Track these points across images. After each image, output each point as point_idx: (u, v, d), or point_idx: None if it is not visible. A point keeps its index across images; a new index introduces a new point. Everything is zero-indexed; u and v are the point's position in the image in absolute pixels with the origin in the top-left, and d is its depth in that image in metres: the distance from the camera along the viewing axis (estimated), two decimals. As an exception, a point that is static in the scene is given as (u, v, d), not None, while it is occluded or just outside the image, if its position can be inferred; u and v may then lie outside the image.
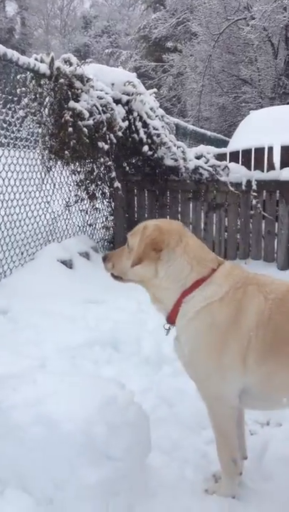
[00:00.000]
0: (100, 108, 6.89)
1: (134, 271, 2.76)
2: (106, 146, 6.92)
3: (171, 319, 2.73)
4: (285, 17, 19.56)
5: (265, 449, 3.19)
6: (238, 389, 2.61)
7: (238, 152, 8.00)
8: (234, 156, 8.00)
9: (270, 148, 7.68)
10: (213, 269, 2.69)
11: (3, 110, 6.30)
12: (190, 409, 3.57)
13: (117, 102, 7.37)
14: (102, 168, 7.47)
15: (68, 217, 7.58)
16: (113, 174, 7.23)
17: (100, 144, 6.87)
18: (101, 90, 7.08)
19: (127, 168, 7.86)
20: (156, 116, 7.83)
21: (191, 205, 8.08)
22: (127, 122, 7.45)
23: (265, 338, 2.52)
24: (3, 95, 6.22)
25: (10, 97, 6.38)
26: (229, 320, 2.56)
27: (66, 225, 7.54)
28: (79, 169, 7.43)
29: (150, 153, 7.64)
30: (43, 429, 2.53)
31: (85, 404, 2.60)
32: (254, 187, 7.57)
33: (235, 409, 2.69)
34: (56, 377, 2.97)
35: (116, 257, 2.94)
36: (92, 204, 7.82)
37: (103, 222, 8.45)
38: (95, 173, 7.46)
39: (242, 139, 10.00)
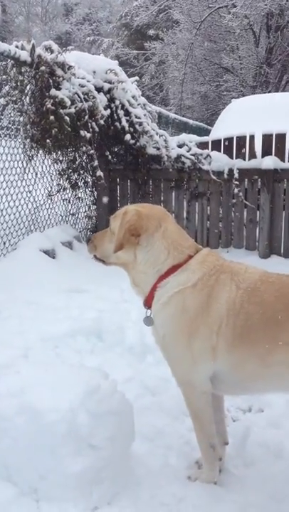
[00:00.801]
0: (82, 96, 6.84)
1: (115, 255, 2.80)
2: (88, 135, 6.88)
3: (147, 303, 2.77)
4: (266, 5, 19.47)
5: (247, 435, 3.22)
6: (209, 374, 2.64)
7: (220, 140, 8.01)
8: (216, 145, 8.02)
9: (252, 137, 7.70)
10: (190, 256, 2.72)
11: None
12: (173, 398, 3.59)
13: (99, 90, 7.33)
14: (84, 157, 7.45)
15: (51, 206, 7.54)
16: (95, 163, 7.20)
17: (82, 133, 6.83)
18: (83, 78, 7.03)
19: (110, 157, 7.84)
20: (139, 104, 7.80)
21: (173, 193, 8.09)
22: (109, 110, 7.41)
23: (235, 327, 2.54)
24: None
25: (-10, 85, 6.33)
26: (200, 306, 2.59)
27: (48, 215, 7.50)
28: (61, 158, 7.40)
29: (132, 141, 7.62)
30: (26, 419, 2.54)
31: (68, 394, 2.61)
32: (236, 175, 7.59)
33: (207, 394, 2.71)
34: (40, 367, 2.97)
35: (99, 239, 2.99)
36: (74, 193, 7.79)
37: (86, 211, 8.42)
38: (77, 162, 7.44)
39: (224, 127, 10.01)
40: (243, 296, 2.57)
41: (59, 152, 7.20)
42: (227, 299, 2.57)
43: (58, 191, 7.61)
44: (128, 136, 7.55)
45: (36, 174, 7.15)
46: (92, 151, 7.10)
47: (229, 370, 2.62)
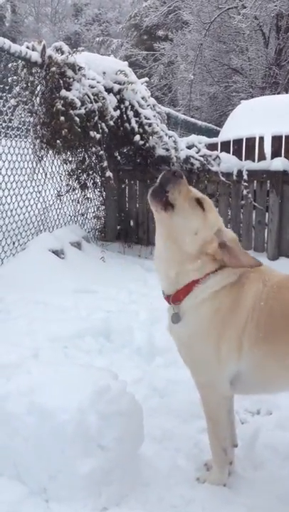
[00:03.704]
0: (92, 97, 6.85)
1: (191, 242, 2.58)
2: (98, 136, 6.90)
3: (178, 298, 2.64)
4: (276, 6, 19.45)
5: (256, 437, 3.22)
6: (232, 375, 2.63)
7: (229, 142, 7.99)
8: (225, 146, 8.00)
9: (261, 138, 7.68)
10: None
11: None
12: (182, 400, 3.60)
13: (109, 90, 7.34)
14: (93, 158, 7.45)
15: (60, 206, 7.56)
16: (105, 164, 7.21)
17: (92, 133, 6.84)
18: (93, 79, 7.04)
19: (119, 157, 7.85)
20: (148, 105, 7.81)
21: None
22: (118, 111, 7.42)
23: (259, 323, 2.53)
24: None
25: (1, 86, 6.35)
26: (232, 303, 2.58)
27: (57, 215, 7.52)
28: (70, 158, 7.41)
29: (142, 142, 7.61)
30: (36, 419, 2.55)
31: (78, 394, 2.61)
32: (245, 177, 7.57)
33: (227, 398, 2.72)
34: (49, 367, 2.98)
35: (182, 204, 2.59)
36: (83, 194, 7.81)
37: (94, 211, 8.44)
38: (86, 163, 7.44)
39: (233, 128, 10.01)
40: (269, 292, 2.56)
41: (68, 153, 7.22)
42: (254, 295, 2.57)
43: (67, 192, 7.63)
44: (137, 137, 7.56)
45: (46, 174, 7.17)
46: (101, 152, 7.12)
47: (250, 370, 2.60)
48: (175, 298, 2.66)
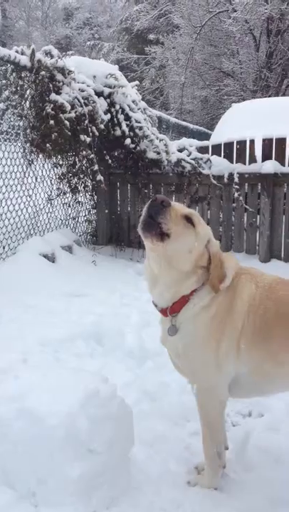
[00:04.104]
0: (82, 101, 6.85)
1: (189, 259, 2.56)
2: (88, 139, 6.90)
3: (174, 309, 2.64)
4: (266, 9, 19.52)
5: (247, 439, 3.21)
6: (230, 379, 2.64)
7: (220, 145, 8.01)
8: (216, 149, 8.02)
9: (252, 141, 7.70)
10: None
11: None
12: (173, 403, 3.60)
13: (99, 94, 7.34)
14: (84, 161, 7.44)
15: (50, 210, 7.54)
16: (95, 167, 7.21)
17: (82, 137, 6.84)
18: (83, 83, 7.05)
19: (110, 161, 7.85)
20: (139, 108, 7.81)
21: (173, 198, 8.08)
22: (109, 115, 7.43)
23: (255, 323, 2.57)
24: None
25: (-10, 90, 6.34)
26: (229, 305, 2.61)
27: (48, 219, 7.50)
28: (61, 162, 7.40)
29: (132, 146, 7.62)
30: (25, 424, 2.53)
31: (67, 398, 2.60)
32: (236, 180, 7.60)
33: (224, 404, 2.73)
34: (39, 372, 2.96)
35: (175, 227, 2.49)
36: (74, 197, 7.79)
37: (86, 215, 8.44)
38: (77, 166, 7.44)
39: (224, 131, 10.01)
40: (262, 293, 2.62)
41: (59, 156, 7.21)
42: (248, 297, 2.61)
43: (58, 195, 7.62)
44: (128, 141, 7.56)
45: (36, 178, 7.16)
46: (92, 156, 7.11)
47: (248, 372, 2.62)
48: (172, 310, 2.66)
